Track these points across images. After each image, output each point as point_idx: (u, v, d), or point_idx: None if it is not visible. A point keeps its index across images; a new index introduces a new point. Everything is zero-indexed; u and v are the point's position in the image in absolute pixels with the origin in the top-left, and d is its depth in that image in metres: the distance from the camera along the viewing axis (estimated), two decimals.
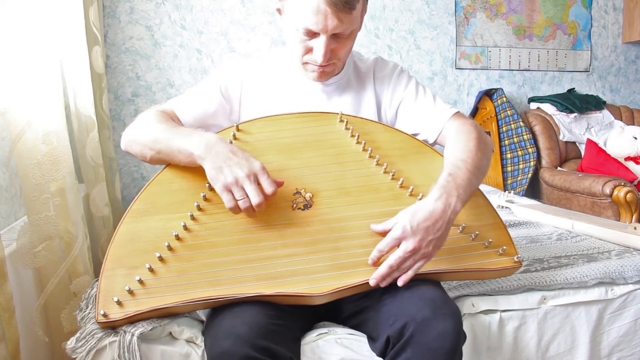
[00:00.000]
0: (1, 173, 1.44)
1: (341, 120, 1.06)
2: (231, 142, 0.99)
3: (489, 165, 1.06)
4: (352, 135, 1.05)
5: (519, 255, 1.01)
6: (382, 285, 0.91)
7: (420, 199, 0.99)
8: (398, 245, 0.89)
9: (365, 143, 1.04)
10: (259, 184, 0.89)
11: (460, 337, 0.87)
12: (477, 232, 1.00)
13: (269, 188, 0.89)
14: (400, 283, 0.90)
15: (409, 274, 0.90)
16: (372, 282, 0.90)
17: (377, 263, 0.91)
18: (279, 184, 0.93)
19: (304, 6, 0.97)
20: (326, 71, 1.07)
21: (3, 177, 1.45)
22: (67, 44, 1.67)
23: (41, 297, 1.29)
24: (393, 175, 1.02)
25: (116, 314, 0.86)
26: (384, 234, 0.92)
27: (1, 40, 1.20)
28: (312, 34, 1.00)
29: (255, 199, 0.88)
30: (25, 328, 1.22)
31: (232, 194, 0.89)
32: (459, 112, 1.11)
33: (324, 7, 0.95)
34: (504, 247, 1.00)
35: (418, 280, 0.93)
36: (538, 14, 3.05)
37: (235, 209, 0.90)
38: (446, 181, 0.93)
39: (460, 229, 1.00)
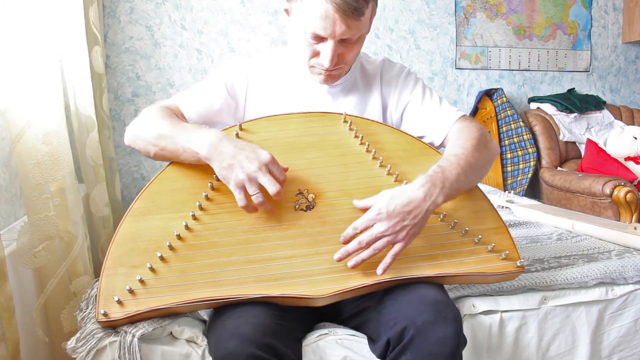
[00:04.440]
0: (1, 173, 1.44)
1: (345, 121, 1.05)
2: (237, 134, 0.99)
3: (487, 168, 1.05)
4: (356, 136, 1.04)
5: (522, 260, 1.00)
6: (349, 265, 0.89)
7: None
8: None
9: (369, 144, 1.03)
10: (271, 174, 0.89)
11: (460, 341, 0.86)
12: (480, 236, 0.99)
13: (280, 176, 0.90)
14: (379, 271, 0.90)
15: (387, 260, 0.89)
16: (336, 257, 0.89)
17: (348, 241, 0.90)
18: (284, 169, 0.94)
19: (313, 11, 0.96)
20: (333, 75, 1.06)
21: (3, 177, 1.45)
22: (67, 44, 1.67)
23: (41, 297, 1.29)
24: (396, 177, 1.01)
25: (116, 313, 0.86)
26: (365, 210, 0.91)
27: (1, 40, 1.19)
28: (319, 39, 1.00)
29: (272, 188, 0.87)
30: (25, 328, 1.22)
31: (244, 192, 0.88)
32: (465, 115, 1.10)
33: (332, 13, 0.94)
34: (507, 252, 0.99)
35: (419, 282, 0.92)
36: (538, 14, 3.05)
37: (248, 208, 0.89)
38: (434, 172, 0.93)
39: (463, 232, 0.99)
